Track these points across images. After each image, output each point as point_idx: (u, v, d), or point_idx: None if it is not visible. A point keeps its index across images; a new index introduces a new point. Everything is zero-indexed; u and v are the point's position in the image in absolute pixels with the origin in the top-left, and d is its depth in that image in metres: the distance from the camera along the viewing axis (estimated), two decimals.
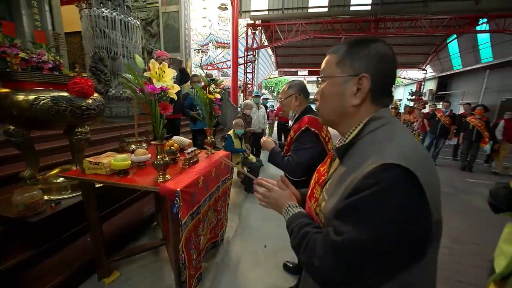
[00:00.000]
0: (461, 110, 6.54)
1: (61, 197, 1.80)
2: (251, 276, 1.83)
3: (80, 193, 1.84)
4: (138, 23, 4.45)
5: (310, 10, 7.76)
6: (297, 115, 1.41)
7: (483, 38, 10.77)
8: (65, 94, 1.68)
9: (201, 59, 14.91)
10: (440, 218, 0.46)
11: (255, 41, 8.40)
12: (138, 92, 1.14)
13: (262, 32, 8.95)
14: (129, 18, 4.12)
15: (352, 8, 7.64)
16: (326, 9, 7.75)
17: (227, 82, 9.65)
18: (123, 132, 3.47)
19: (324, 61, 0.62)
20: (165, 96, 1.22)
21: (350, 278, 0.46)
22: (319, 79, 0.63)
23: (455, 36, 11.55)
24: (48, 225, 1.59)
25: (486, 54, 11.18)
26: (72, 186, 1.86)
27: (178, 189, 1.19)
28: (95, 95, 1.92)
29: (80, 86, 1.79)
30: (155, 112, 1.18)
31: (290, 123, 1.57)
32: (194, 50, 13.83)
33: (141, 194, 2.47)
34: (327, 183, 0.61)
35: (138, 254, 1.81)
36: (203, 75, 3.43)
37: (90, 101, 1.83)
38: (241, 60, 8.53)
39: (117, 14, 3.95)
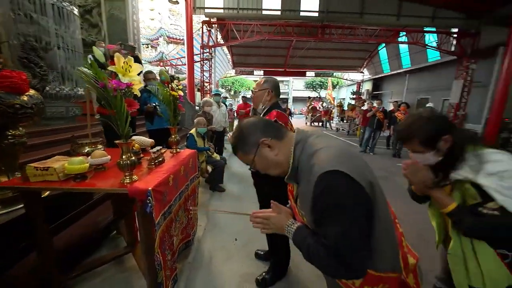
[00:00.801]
0: (390, 107, 7.85)
1: None
2: (225, 270, 1.87)
3: (18, 206, 1.58)
4: (76, 9, 3.89)
5: (264, 12, 8.05)
6: (266, 109, 1.52)
7: (404, 48, 13.03)
8: None
9: (155, 55, 13.81)
10: (370, 179, 0.64)
11: (211, 38, 8.25)
12: (100, 87, 1.06)
13: (218, 30, 8.85)
14: (64, 4, 3.57)
15: (302, 14, 8.26)
16: (279, 13, 8.17)
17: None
18: (60, 137, 3.03)
19: (239, 158, 0.82)
20: (129, 92, 1.16)
21: (355, 259, 0.59)
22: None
23: (384, 44, 13.63)
24: None
25: (406, 61, 13.56)
26: (7, 200, 1.56)
27: (150, 188, 1.15)
28: (31, 91, 1.65)
29: (10, 80, 1.52)
30: (120, 109, 1.11)
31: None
32: (143, 44, 12.70)
33: (96, 202, 2.22)
34: (297, 201, 0.79)
35: (99, 267, 1.65)
36: (157, 72, 3.25)
37: (25, 98, 1.56)
38: (197, 58, 8.27)
39: None
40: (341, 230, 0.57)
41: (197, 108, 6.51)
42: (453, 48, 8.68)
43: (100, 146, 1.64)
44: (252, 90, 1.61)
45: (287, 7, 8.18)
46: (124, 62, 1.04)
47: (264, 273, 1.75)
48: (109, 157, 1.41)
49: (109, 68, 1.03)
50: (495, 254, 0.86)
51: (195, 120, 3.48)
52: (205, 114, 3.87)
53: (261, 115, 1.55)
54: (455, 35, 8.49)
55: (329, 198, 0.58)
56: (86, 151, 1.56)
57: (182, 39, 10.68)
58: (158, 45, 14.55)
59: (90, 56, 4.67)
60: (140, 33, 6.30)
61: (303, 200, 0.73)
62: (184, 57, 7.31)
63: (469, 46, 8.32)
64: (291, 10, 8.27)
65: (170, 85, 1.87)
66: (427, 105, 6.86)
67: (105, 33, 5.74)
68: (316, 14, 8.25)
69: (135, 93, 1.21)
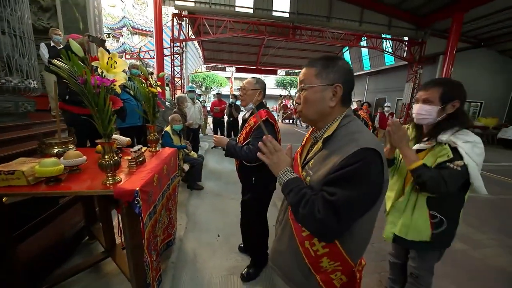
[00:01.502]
0: (354, 106, 8.57)
1: None
2: (210, 265, 1.90)
3: None
4: None
5: (237, 9, 8.00)
6: (254, 108, 1.61)
7: (365, 52, 14.21)
8: None
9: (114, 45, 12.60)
10: (387, 176, 0.71)
11: (182, 32, 7.90)
12: (80, 83, 1.00)
13: (189, 24, 8.51)
14: None
15: (274, 14, 8.42)
16: (251, 11, 8.20)
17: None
18: (10, 136, 2.66)
19: (302, 73, 0.79)
20: (111, 88, 1.12)
21: (341, 226, 0.66)
22: (301, 88, 0.79)
23: (347, 48, 14.67)
24: None
25: (366, 64, 14.83)
26: None
27: (137, 188, 1.13)
28: None
29: None
30: (103, 107, 1.06)
31: (243, 114, 1.77)
32: (104, 33, 11.48)
33: (64, 207, 2.03)
34: (309, 162, 0.79)
35: (73, 276, 1.53)
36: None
37: None
38: (166, 52, 7.85)
39: None
40: (350, 195, 0.63)
41: (167, 104, 6.22)
42: (405, 54, 9.77)
43: (71, 146, 1.51)
44: (242, 87, 1.66)
45: (259, 6, 8.26)
46: (109, 57, 1.00)
47: (246, 268, 1.82)
48: (84, 157, 1.32)
49: (94, 64, 0.97)
50: (428, 212, 1.15)
51: (169, 117, 3.35)
52: (180, 111, 3.75)
53: (249, 114, 1.64)
54: (406, 43, 9.58)
55: (360, 167, 0.62)
56: (56, 151, 1.43)
57: (150, 31, 9.99)
58: (122, 35, 13.34)
59: (42, 44, 4.13)
60: (103, 23, 5.72)
61: (319, 161, 0.75)
62: (153, 50, 6.87)
63: (417, 53, 9.47)
64: (263, 9, 8.36)
65: (148, 81, 1.80)
66: (385, 104, 7.65)
67: (59, 19, 5.08)
68: (287, 15, 8.50)
69: (116, 90, 1.17)
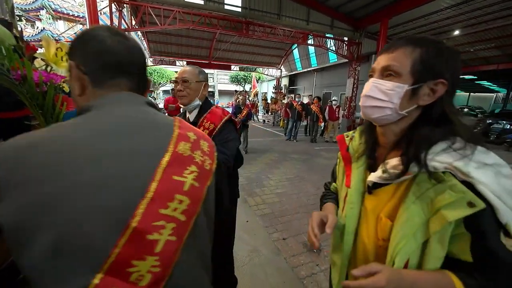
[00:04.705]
0: (305, 100, 9.24)
1: None
2: None
3: None
4: None
5: (186, 0, 7.50)
6: (200, 105, 1.31)
7: (312, 49, 15.34)
8: None
9: (21, 30, 10.19)
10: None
11: (122, 21, 6.97)
12: (16, 80, 0.79)
13: (131, 11, 7.56)
14: None
15: (226, 7, 8.23)
16: (202, 2, 7.82)
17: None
18: None
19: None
20: (60, 86, 0.92)
21: None
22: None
23: (296, 45, 15.55)
24: None
25: (313, 61, 16.06)
26: None
27: None
28: None
29: None
30: (50, 110, 0.87)
31: (188, 113, 1.36)
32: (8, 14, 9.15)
33: None
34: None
35: None
36: None
37: None
38: None
39: None
40: None
41: None
42: (345, 53, 10.95)
43: None
44: (181, 79, 1.24)
45: None
46: (58, 48, 0.82)
47: None
48: None
49: (38, 55, 0.78)
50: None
51: None
52: None
53: (195, 115, 1.31)
54: (346, 43, 10.74)
55: None
56: None
57: (80, 17, 8.52)
58: (40, 20, 10.91)
59: None
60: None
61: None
62: None
63: (355, 52, 10.75)
64: (214, 2, 8.09)
65: None
66: (333, 98, 8.47)
67: None
68: (240, 10, 8.44)
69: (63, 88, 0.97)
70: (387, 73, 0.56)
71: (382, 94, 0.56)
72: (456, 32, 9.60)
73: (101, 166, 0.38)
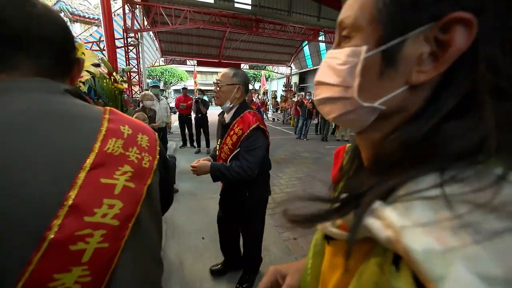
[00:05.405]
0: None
1: None
2: (198, 268, 1.83)
3: None
4: None
5: None
6: (234, 109, 1.33)
7: (322, 46, 15.06)
8: None
9: None
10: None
11: (135, 21, 7.15)
12: None
13: (143, 12, 7.74)
14: None
15: (236, 5, 8.25)
16: (212, 1, 7.88)
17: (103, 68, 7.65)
18: None
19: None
20: (78, 87, 0.95)
21: None
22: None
23: (307, 42, 15.33)
24: None
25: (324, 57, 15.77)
26: None
27: None
28: None
29: None
30: None
31: (220, 114, 1.46)
32: None
33: None
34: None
35: None
36: None
37: None
38: (119, 43, 7.03)
39: None
40: None
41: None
42: None
43: None
44: (215, 82, 1.31)
45: None
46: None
47: (240, 286, 1.66)
48: None
49: None
50: None
51: (133, 116, 3.04)
52: (144, 109, 3.43)
53: (230, 117, 1.34)
54: None
55: None
56: None
57: (95, 19, 8.81)
58: None
59: None
60: None
61: None
62: (102, 41, 6.10)
63: None
64: (224, 0, 8.12)
65: (112, 77, 1.60)
66: None
67: None
68: (250, 8, 8.42)
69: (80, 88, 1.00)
70: (343, 36, 0.29)
71: (333, 75, 0.29)
72: None
73: (4, 174, 0.32)
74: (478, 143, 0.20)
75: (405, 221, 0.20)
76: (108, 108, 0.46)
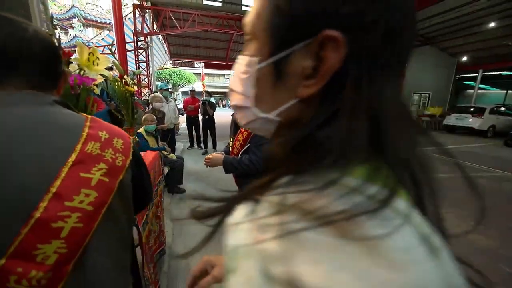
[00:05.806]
0: None
1: None
2: None
3: None
4: None
5: (205, 2, 7.70)
6: None
7: None
8: None
9: (59, 37, 11.06)
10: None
11: (145, 25, 7.32)
12: None
13: (153, 16, 7.92)
14: None
15: (243, 8, 8.32)
16: (220, 4, 7.97)
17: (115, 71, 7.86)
18: None
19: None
20: (92, 89, 0.99)
21: None
22: None
23: None
24: None
25: None
26: None
27: None
28: None
29: None
30: (84, 111, 0.93)
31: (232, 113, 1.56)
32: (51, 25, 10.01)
33: None
34: None
35: None
36: None
37: None
38: (128, 46, 7.21)
39: None
40: None
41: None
42: None
43: None
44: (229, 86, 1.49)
45: None
46: (89, 53, 0.87)
47: None
48: None
49: (73, 59, 0.84)
50: None
51: (142, 117, 3.11)
52: (154, 111, 3.49)
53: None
54: None
55: None
56: None
57: (107, 23, 9.08)
58: (72, 27, 11.83)
59: None
60: (49, 11, 4.96)
61: None
62: (114, 44, 6.27)
63: None
64: (232, 3, 8.20)
65: (123, 79, 1.64)
66: None
67: None
68: None
69: (94, 90, 1.04)
70: (247, 40, 0.29)
71: (238, 83, 0.29)
72: (492, 24, 8.85)
73: (4, 176, 0.41)
74: (330, 150, 0.21)
75: (238, 219, 0.24)
76: (90, 116, 0.55)
